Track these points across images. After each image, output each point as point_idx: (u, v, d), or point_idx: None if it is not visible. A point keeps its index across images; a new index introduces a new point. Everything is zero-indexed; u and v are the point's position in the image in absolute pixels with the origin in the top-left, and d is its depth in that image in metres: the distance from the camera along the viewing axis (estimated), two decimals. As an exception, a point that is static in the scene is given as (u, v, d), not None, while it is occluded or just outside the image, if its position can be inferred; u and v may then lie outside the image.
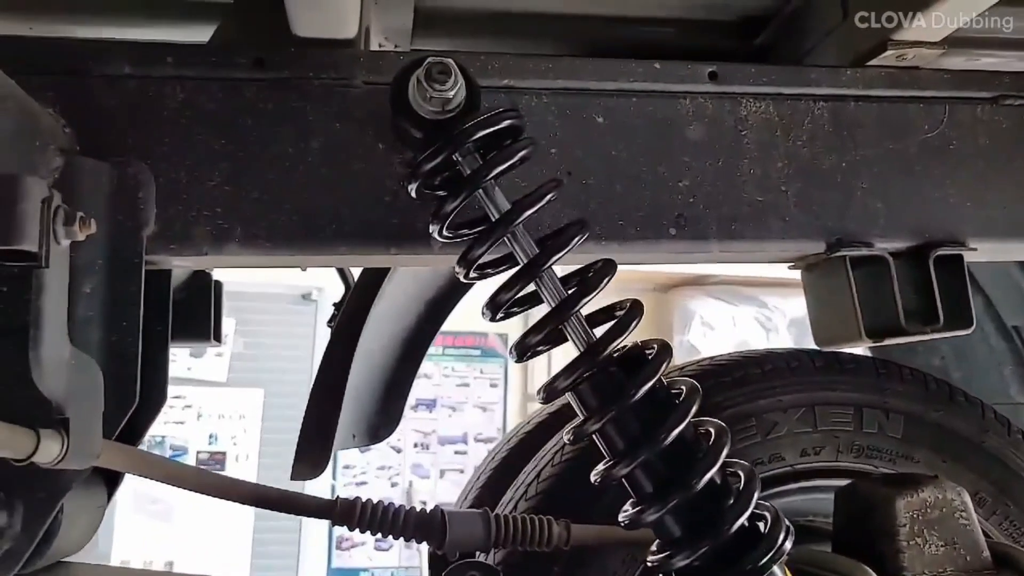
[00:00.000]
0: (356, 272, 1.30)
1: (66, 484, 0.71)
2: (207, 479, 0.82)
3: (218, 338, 1.29)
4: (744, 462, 0.74)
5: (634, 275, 4.55)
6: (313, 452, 1.09)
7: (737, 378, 1.11)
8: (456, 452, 5.21)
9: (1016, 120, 0.97)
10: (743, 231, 0.90)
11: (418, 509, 0.88)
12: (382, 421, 1.46)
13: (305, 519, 4.81)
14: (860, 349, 1.29)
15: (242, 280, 4.54)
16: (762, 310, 4.85)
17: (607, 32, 1.13)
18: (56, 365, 0.64)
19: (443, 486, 5.15)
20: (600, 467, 0.72)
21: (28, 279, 0.62)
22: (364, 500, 0.87)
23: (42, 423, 0.61)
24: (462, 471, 5.16)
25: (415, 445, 5.13)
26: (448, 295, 1.42)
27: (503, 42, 1.14)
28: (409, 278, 1.28)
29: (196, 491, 0.81)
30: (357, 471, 5.09)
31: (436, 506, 0.89)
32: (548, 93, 0.89)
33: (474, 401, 5.26)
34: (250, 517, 4.93)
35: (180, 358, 5.19)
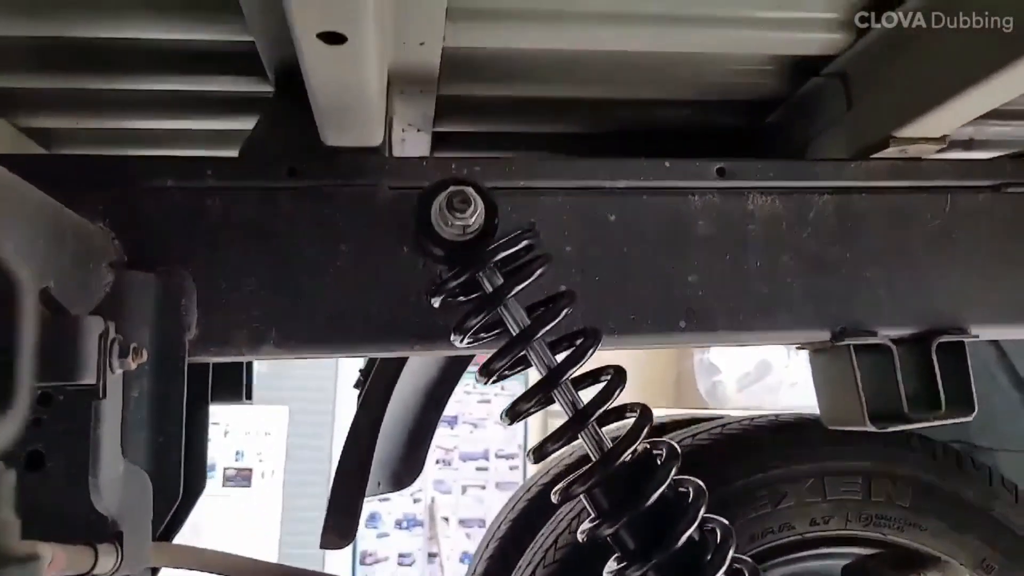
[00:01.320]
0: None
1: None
2: (251, 566, 0.87)
3: (250, 397, 1.35)
4: (721, 520, 0.78)
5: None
6: (342, 522, 1.15)
7: (748, 447, 1.15)
8: (478, 468, 5.27)
9: (1018, 207, 1.00)
10: (750, 322, 0.94)
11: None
12: (406, 469, 1.52)
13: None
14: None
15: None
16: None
17: (624, 114, 1.17)
18: (111, 483, 0.70)
19: (465, 502, 5.21)
20: (612, 571, 0.77)
21: (88, 411, 0.68)
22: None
23: (99, 539, 0.67)
24: (483, 487, 5.22)
25: (437, 461, 5.19)
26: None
27: (518, 124, 1.19)
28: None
29: (231, 572, 0.87)
30: (380, 487, 5.16)
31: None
32: (563, 193, 0.94)
33: (495, 418, 5.31)
34: (276, 532, 5.02)
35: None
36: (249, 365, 1.35)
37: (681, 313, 0.93)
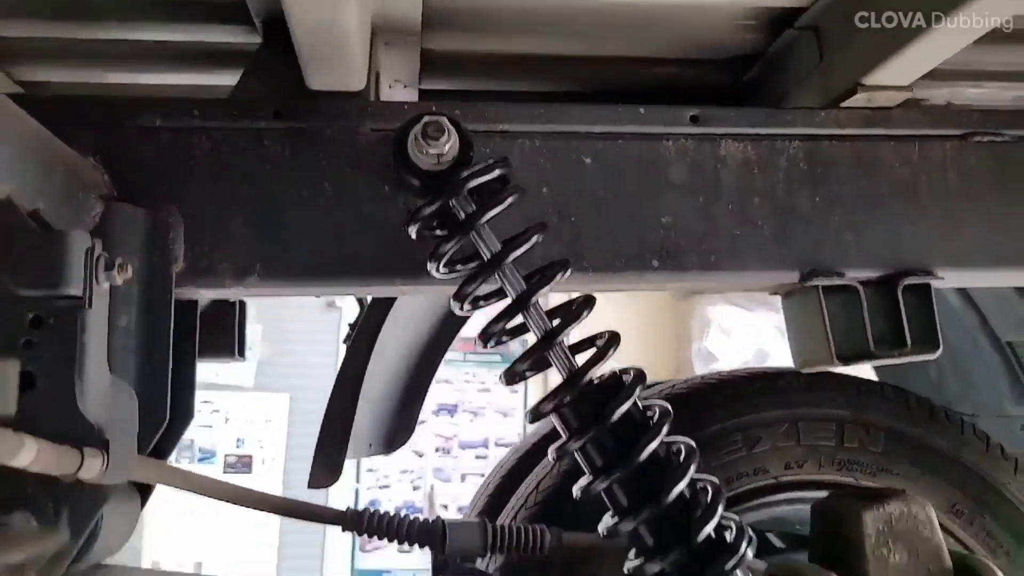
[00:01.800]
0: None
1: (105, 495, 0.81)
2: (230, 490, 0.91)
3: (242, 353, 1.39)
4: (711, 477, 0.81)
5: (652, 283, 4.60)
6: (329, 461, 1.18)
7: (725, 396, 1.18)
8: (477, 456, 5.29)
9: (984, 156, 1.03)
10: (721, 263, 0.97)
11: (422, 519, 0.96)
12: (397, 430, 1.55)
13: (330, 529, 4.91)
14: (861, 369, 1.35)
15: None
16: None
17: (606, 72, 1.20)
18: (98, 393, 0.73)
19: (464, 490, 5.23)
20: (581, 482, 0.80)
21: (74, 320, 0.71)
22: (372, 510, 0.95)
23: (86, 444, 0.71)
24: (483, 475, 5.25)
25: (437, 450, 5.22)
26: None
27: (505, 82, 1.22)
28: (421, 296, 1.36)
29: (222, 500, 0.90)
30: (380, 475, 5.20)
31: (437, 516, 0.97)
32: (540, 136, 0.97)
33: (495, 406, 5.34)
34: (276, 517, 5.06)
35: (208, 363, 5.32)
36: (242, 322, 1.39)
37: (654, 253, 0.96)
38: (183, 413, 0.94)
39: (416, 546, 0.95)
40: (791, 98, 1.11)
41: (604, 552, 1.01)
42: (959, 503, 1.16)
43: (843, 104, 1.01)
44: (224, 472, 5.18)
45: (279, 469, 5.23)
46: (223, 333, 1.36)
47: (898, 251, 1.00)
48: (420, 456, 5.23)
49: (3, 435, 0.61)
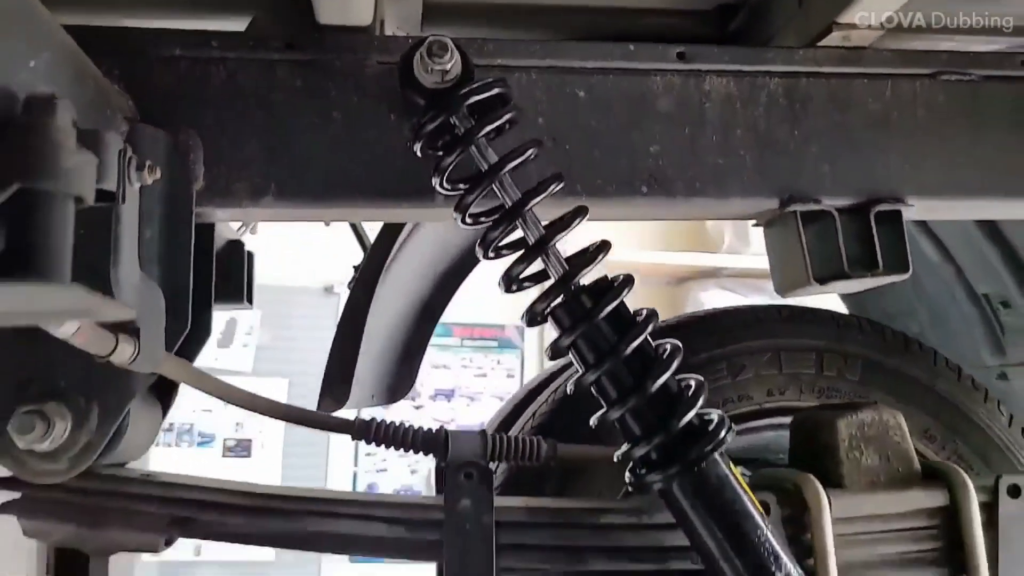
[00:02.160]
0: (373, 237, 1.45)
1: (133, 389, 0.87)
2: (245, 396, 0.97)
3: (251, 300, 1.45)
4: (696, 375, 0.87)
5: (650, 268, 4.68)
6: (335, 389, 1.24)
7: (711, 327, 1.25)
8: (473, 441, 5.35)
9: (951, 94, 1.09)
10: (705, 189, 1.04)
11: (425, 428, 1.02)
12: (399, 381, 1.62)
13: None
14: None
15: (268, 275, 4.76)
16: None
17: (598, 22, 1.27)
18: (130, 285, 0.79)
19: (461, 474, 5.30)
20: (575, 378, 0.86)
21: (108, 215, 0.77)
22: (379, 420, 1.01)
23: (119, 330, 0.77)
24: (479, 460, 5.32)
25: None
26: (460, 265, 1.57)
27: (502, 31, 1.29)
28: (424, 244, 1.43)
29: (238, 406, 0.96)
30: (378, 459, 5.25)
31: (440, 426, 1.03)
32: (536, 71, 1.03)
33: (492, 391, 5.40)
34: (278, 479, 5.12)
35: (208, 349, 5.38)
36: (251, 271, 1.45)
37: (643, 179, 1.02)
38: (203, 326, 1.01)
39: (420, 454, 1.01)
40: (773, 43, 1.18)
41: (597, 462, 1.08)
42: (932, 428, 1.22)
43: (820, 43, 1.08)
44: (224, 456, 5.23)
45: (278, 453, 5.28)
46: (233, 281, 1.42)
47: (871, 180, 1.06)
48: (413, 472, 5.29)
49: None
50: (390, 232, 1.32)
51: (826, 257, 1.04)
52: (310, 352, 5.61)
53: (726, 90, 1.06)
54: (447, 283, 1.57)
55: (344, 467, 5.24)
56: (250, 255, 1.44)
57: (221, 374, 4.05)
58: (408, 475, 5.27)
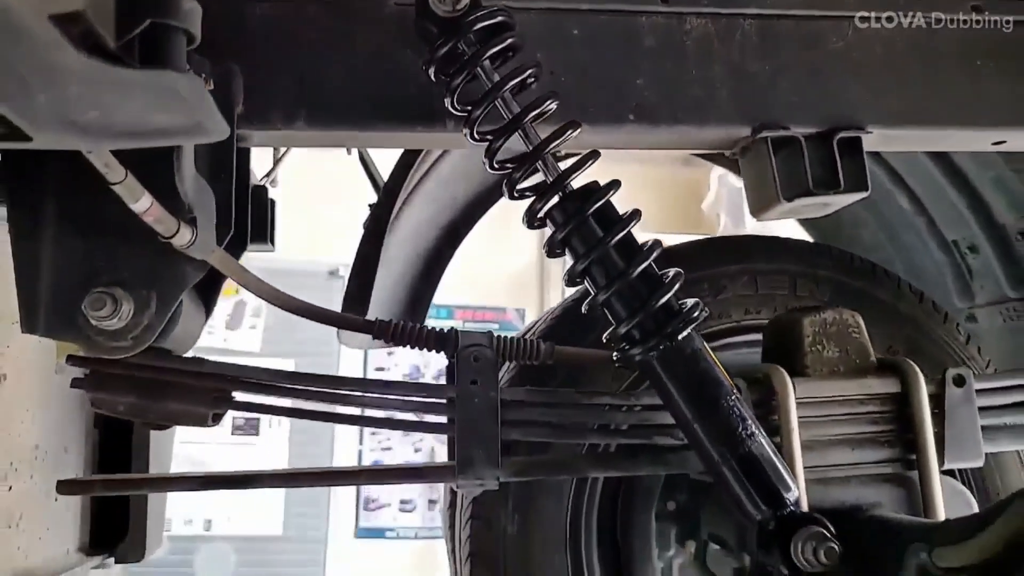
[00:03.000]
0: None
1: (185, 281, 1.00)
2: (283, 297, 1.10)
3: (273, 242, 1.58)
4: (677, 268, 1.00)
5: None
6: (355, 307, 1.37)
7: (696, 252, 1.38)
8: (476, 421, 5.49)
9: (907, 34, 1.22)
10: (686, 118, 1.16)
11: (438, 328, 1.15)
12: (412, 308, 1.76)
13: (335, 489, 5.06)
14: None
15: (276, 257, 4.91)
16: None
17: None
18: (189, 180, 0.93)
19: (464, 453, 5.43)
20: (569, 267, 0.99)
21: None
22: (396, 321, 1.14)
23: (180, 215, 0.90)
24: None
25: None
26: (484, 196, 1.71)
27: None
28: (447, 175, 1.56)
29: (271, 302, 1.09)
30: (382, 437, 5.39)
31: (451, 327, 1.16)
32: (536, 12, 1.16)
33: (493, 373, 5.53)
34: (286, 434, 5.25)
35: (217, 330, 5.54)
36: (273, 215, 1.58)
37: (630, 108, 1.15)
38: (240, 236, 1.14)
39: (433, 350, 1.14)
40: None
41: (590, 362, 1.21)
42: (894, 344, 1.35)
43: (791, -12, 1.21)
44: (232, 434, 5.38)
45: (285, 432, 5.43)
46: (259, 223, 1.55)
47: (834, 111, 1.19)
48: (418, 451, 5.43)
49: (130, 182, 0.80)
50: (404, 167, 1.45)
51: (793, 178, 1.17)
52: (315, 333, 5.72)
53: (705, 29, 1.19)
54: (470, 211, 1.70)
55: (350, 445, 5.38)
56: (272, 202, 1.58)
57: (230, 355, 4.17)
58: (412, 453, 5.41)
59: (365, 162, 1.69)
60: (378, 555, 5.28)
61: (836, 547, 0.89)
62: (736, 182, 4.56)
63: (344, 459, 5.33)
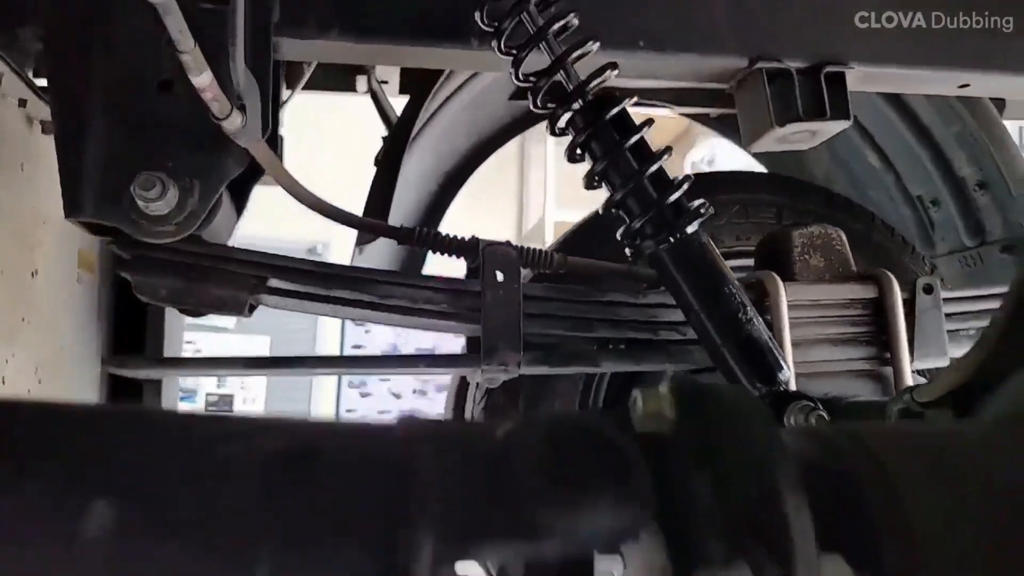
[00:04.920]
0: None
1: (227, 173, 1.07)
2: (312, 198, 1.17)
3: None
4: (687, 174, 1.10)
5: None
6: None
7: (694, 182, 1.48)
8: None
9: (888, -20, 1.35)
10: (691, 47, 1.27)
11: (460, 236, 1.23)
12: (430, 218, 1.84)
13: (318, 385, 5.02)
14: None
15: (254, 234, 4.91)
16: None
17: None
18: (241, 68, 0.99)
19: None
20: (588, 170, 1.09)
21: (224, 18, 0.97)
22: (420, 228, 1.22)
23: (234, 99, 0.97)
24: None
25: (414, 391, 5.48)
26: (496, 135, 1.79)
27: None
28: (459, 112, 1.64)
29: (302, 203, 1.16)
30: (358, 415, 5.42)
31: (473, 235, 1.24)
32: (553, -54, 1.25)
33: (467, 353, 5.61)
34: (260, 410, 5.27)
35: (190, 307, 5.51)
36: (281, 153, 1.64)
37: (641, 35, 1.25)
38: (275, 135, 1.21)
39: (455, 256, 1.22)
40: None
41: (599, 272, 1.30)
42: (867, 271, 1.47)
43: (784, -66, 1.32)
44: (206, 410, 5.36)
45: (259, 409, 5.42)
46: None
47: (822, 47, 1.31)
48: (398, 398, 5.48)
49: (196, 53, 0.87)
50: (415, 104, 1.53)
51: (785, 106, 1.28)
52: (289, 314, 5.79)
53: (710, -27, 1.30)
54: (478, 153, 1.79)
55: (327, 407, 5.42)
56: (281, 138, 1.64)
57: (207, 331, 4.23)
58: (392, 400, 5.46)
59: (377, 97, 1.75)
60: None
61: (824, 414, 1.00)
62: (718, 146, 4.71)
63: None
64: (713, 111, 2.11)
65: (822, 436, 0.42)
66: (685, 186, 1.07)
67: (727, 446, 0.38)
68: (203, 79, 0.89)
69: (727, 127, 2.24)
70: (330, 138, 4.79)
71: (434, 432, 0.36)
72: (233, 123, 0.98)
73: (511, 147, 5.85)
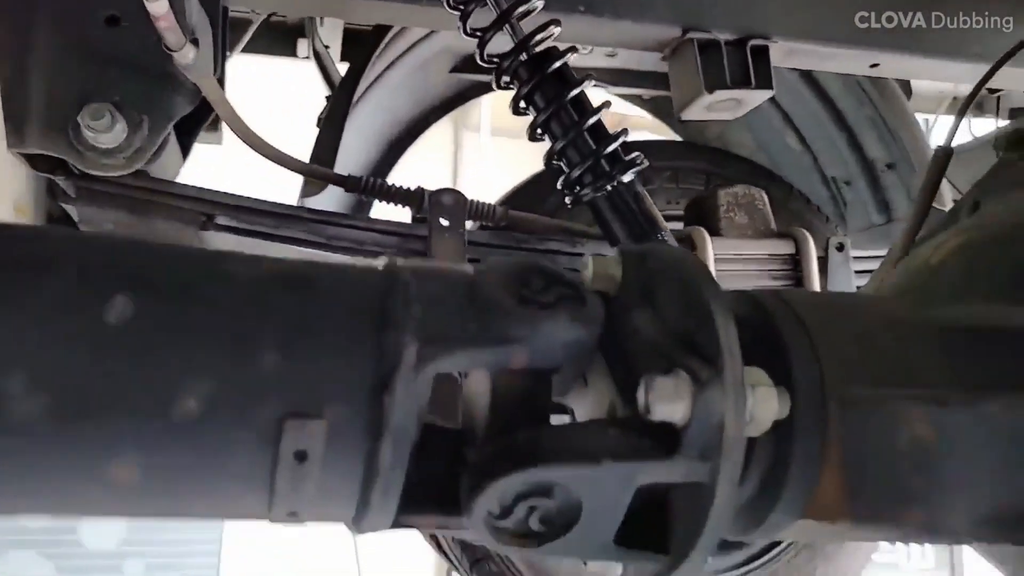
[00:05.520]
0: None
1: (176, 110, 1.08)
2: (257, 140, 1.18)
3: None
4: (623, 128, 1.17)
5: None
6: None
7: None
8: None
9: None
10: (627, 14, 1.34)
11: (406, 186, 1.27)
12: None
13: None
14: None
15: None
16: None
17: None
18: (194, 4, 1.00)
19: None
20: (531, 122, 1.14)
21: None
22: (368, 177, 1.25)
23: (194, 34, 0.98)
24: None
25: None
26: (419, 119, 1.83)
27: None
28: (390, 89, 1.67)
29: (245, 142, 1.17)
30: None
31: (419, 185, 1.28)
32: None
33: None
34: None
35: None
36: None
37: (581, 1, 1.32)
38: (220, 78, 1.22)
39: (400, 205, 1.26)
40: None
41: (542, 228, 1.36)
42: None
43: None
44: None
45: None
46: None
47: (749, 21, 1.40)
48: None
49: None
50: (358, 68, 1.55)
51: (714, 74, 1.37)
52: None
53: (647, -53, 1.37)
54: (417, 125, 1.82)
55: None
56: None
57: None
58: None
59: (320, 58, 1.77)
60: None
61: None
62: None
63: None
64: (646, 92, 2.20)
65: (748, 293, 0.49)
66: (622, 138, 1.14)
67: (667, 287, 0.44)
68: (159, 6, 0.90)
69: (660, 109, 2.34)
70: (269, 106, 4.69)
71: (416, 265, 0.41)
72: (186, 56, 0.99)
73: (446, 137, 5.83)
